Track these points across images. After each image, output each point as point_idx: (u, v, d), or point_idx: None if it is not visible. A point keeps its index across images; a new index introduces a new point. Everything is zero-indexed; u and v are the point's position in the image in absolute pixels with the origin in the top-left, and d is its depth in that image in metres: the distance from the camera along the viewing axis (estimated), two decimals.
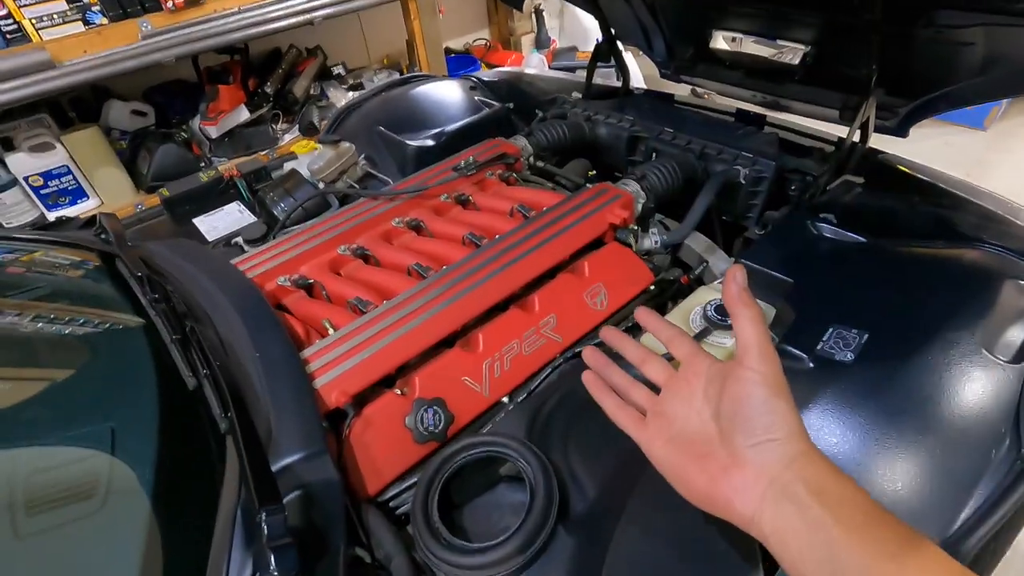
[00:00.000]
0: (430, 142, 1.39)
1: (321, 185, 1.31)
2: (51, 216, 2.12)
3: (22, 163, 2.02)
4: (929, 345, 0.70)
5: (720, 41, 1.46)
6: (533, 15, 3.63)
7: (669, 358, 0.58)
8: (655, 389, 0.56)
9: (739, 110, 1.36)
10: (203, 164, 2.37)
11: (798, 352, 0.73)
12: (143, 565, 0.50)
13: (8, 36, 1.80)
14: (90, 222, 1.11)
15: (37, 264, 0.92)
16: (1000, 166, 2.61)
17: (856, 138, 1.09)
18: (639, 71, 2.90)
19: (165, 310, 0.73)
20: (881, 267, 0.87)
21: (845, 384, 0.69)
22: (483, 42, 3.62)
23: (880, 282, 0.84)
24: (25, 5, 1.79)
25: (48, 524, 0.52)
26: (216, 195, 1.36)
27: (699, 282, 1.04)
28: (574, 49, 3.48)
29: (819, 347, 0.73)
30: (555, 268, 0.94)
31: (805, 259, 0.90)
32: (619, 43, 1.52)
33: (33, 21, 1.82)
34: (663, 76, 1.57)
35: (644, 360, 0.58)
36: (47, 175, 2.07)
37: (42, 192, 2.08)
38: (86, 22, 1.89)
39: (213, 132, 2.41)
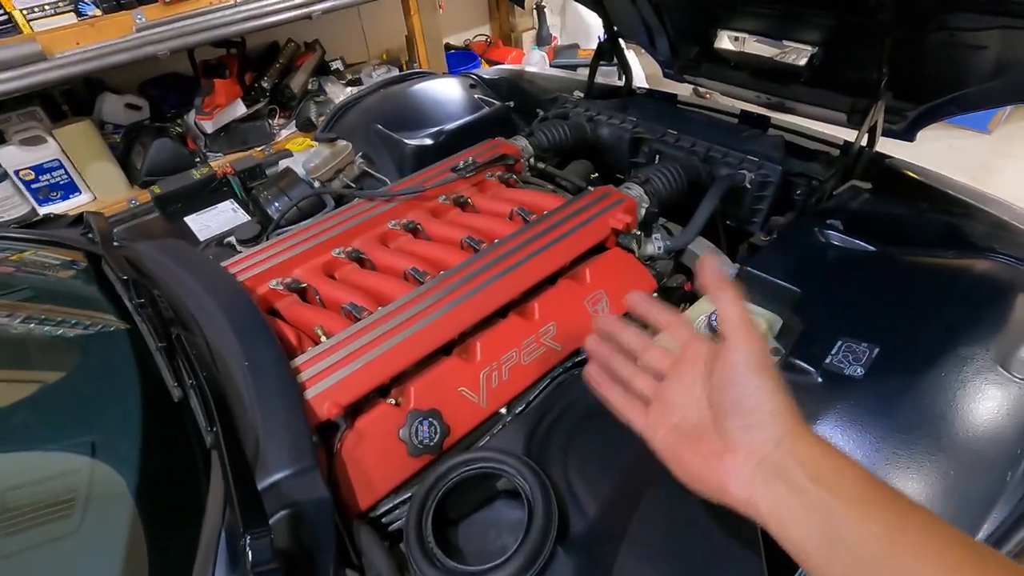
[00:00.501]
0: (428, 141, 1.37)
1: (317, 184, 1.28)
2: (42, 211, 2.09)
3: (12, 156, 1.98)
4: (942, 361, 0.68)
5: (725, 41, 1.44)
6: (535, 11, 3.59)
7: None
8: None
9: (743, 112, 1.34)
10: (198, 159, 2.33)
11: (806, 366, 0.71)
12: None
13: None
14: (77, 220, 1.08)
15: (19, 264, 0.89)
16: (1005, 170, 2.59)
17: (864, 142, 1.07)
18: (641, 70, 2.87)
19: (151, 316, 0.70)
20: (890, 277, 0.84)
21: (855, 400, 0.67)
22: (484, 38, 3.59)
23: (890, 293, 0.81)
24: None
25: (20, 546, 0.49)
26: (209, 193, 1.33)
27: None
28: (576, 47, 3.44)
29: (828, 360, 0.71)
30: (556, 274, 0.91)
31: (812, 268, 0.88)
32: (621, 41, 1.49)
33: (24, 12, 1.77)
34: (666, 76, 1.55)
35: (644, 348, 0.56)
36: (38, 169, 2.03)
37: (33, 186, 2.05)
38: (79, 13, 1.85)
39: (208, 127, 2.37)
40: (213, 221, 1.29)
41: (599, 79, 1.50)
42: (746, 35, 1.31)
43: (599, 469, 0.67)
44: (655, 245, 1.01)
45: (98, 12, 1.87)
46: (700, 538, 0.58)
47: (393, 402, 0.72)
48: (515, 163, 1.21)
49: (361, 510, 0.67)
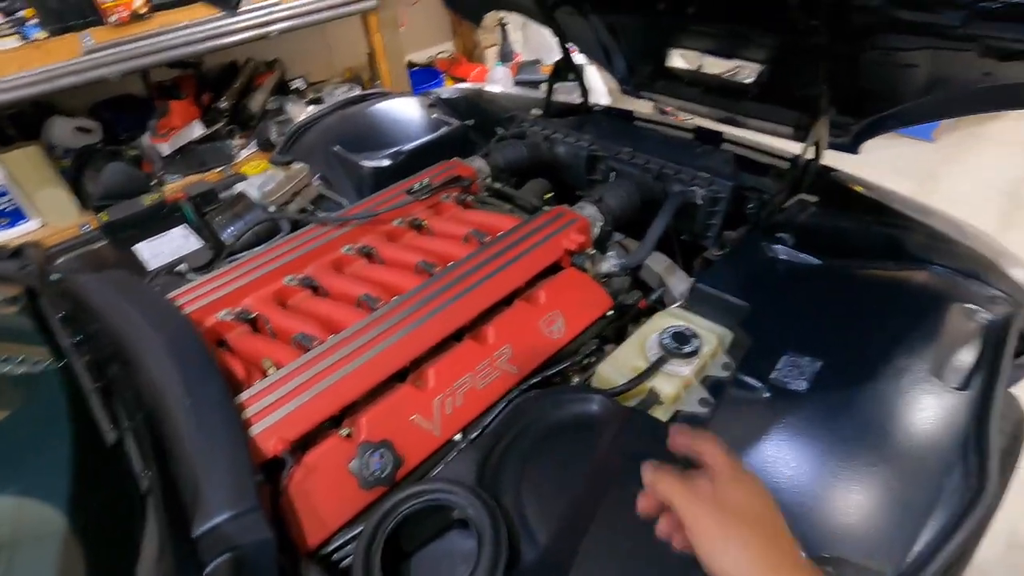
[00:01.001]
0: (386, 162, 1.36)
1: (272, 208, 1.26)
2: None
3: None
4: (881, 373, 0.70)
5: (677, 59, 1.47)
6: (498, 28, 3.62)
7: None
8: None
9: (699, 127, 1.37)
10: (155, 182, 2.28)
11: (753, 381, 0.72)
12: None
13: None
14: (16, 252, 1.04)
15: None
16: (949, 177, 2.70)
17: (811, 155, 1.10)
18: (603, 85, 2.91)
19: (86, 354, 0.68)
20: (834, 291, 0.87)
21: (799, 414, 0.68)
22: (447, 54, 3.60)
23: (834, 306, 0.84)
24: None
25: None
26: (161, 219, 1.30)
27: (660, 303, 1.03)
28: (538, 62, 3.48)
29: (773, 376, 0.72)
30: (510, 296, 0.91)
31: (760, 283, 0.90)
32: (583, 58, 1.51)
33: None
34: (624, 92, 1.57)
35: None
36: None
37: None
38: (23, 36, 1.80)
39: (165, 149, 2.32)
40: (165, 247, 1.26)
41: (561, 95, 1.51)
42: (697, 53, 1.35)
43: (553, 493, 0.67)
44: (610, 263, 1.02)
45: (44, 35, 1.82)
46: (651, 563, 0.58)
47: (345, 433, 0.71)
48: (470, 184, 1.21)
49: (311, 547, 0.65)
